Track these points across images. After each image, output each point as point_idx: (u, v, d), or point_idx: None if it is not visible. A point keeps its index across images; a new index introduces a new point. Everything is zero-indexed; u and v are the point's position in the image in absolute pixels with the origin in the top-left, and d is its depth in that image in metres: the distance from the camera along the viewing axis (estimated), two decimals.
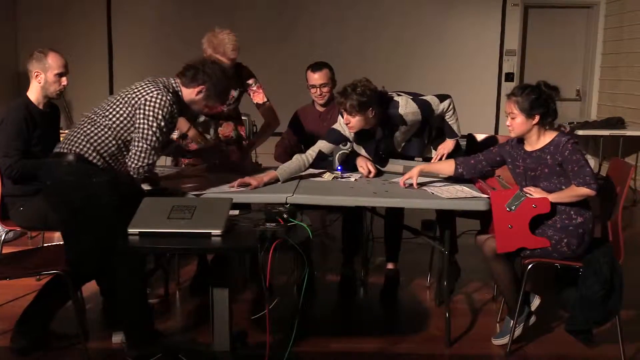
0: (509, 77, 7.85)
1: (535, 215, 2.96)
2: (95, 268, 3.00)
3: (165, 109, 2.92)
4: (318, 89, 3.96)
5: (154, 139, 2.92)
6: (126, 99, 2.96)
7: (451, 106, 3.60)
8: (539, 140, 3.06)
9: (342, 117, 3.48)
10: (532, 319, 3.21)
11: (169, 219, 2.60)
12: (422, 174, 3.32)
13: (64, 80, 3.42)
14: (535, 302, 3.25)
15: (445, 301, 3.35)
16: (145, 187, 3.17)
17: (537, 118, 3.02)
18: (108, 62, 7.87)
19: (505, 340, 3.17)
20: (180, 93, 3.06)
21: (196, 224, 2.58)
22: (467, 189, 3.23)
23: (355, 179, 3.52)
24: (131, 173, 2.94)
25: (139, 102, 2.92)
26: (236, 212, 2.88)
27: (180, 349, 2.97)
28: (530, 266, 2.99)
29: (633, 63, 7.04)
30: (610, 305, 2.94)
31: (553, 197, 2.97)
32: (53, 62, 3.38)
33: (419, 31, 7.78)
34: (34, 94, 3.41)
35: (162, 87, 2.97)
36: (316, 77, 3.94)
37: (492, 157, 3.28)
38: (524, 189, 3.03)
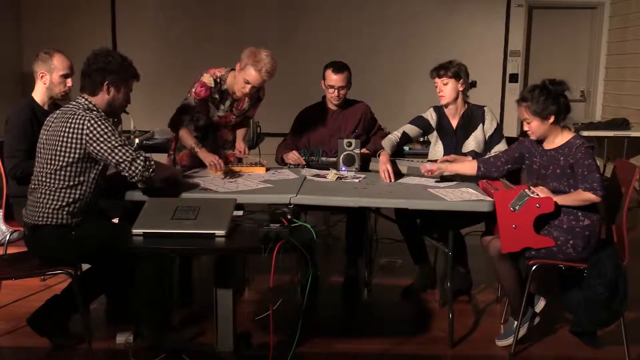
0: (513, 78, 7.82)
1: (540, 214, 2.96)
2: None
3: (103, 121, 2.84)
4: (337, 90, 3.89)
5: (123, 143, 2.84)
6: (66, 140, 2.83)
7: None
8: (556, 140, 3.08)
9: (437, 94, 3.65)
10: (537, 320, 3.21)
11: (172, 219, 2.61)
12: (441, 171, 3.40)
13: (69, 82, 3.44)
14: (540, 304, 3.25)
15: (448, 302, 3.35)
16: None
17: (551, 118, 3.02)
18: None
19: (509, 341, 3.16)
20: (95, 105, 2.94)
21: (200, 225, 2.58)
22: (472, 190, 3.23)
23: (359, 180, 3.52)
24: (140, 183, 2.91)
25: (85, 137, 2.81)
26: (240, 212, 2.88)
27: (183, 350, 2.98)
28: (534, 267, 2.99)
29: (638, 64, 7.02)
30: (614, 306, 2.93)
31: (558, 199, 2.97)
32: (59, 63, 3.39)
33: (423, 31, 7.76)
34: (39, 94, 3.42)
35: (82, 111, 2.87)
36: (337, 79, 3.87)
37: (511, 154, 3.30)
38: (531, 187, 3.03)
